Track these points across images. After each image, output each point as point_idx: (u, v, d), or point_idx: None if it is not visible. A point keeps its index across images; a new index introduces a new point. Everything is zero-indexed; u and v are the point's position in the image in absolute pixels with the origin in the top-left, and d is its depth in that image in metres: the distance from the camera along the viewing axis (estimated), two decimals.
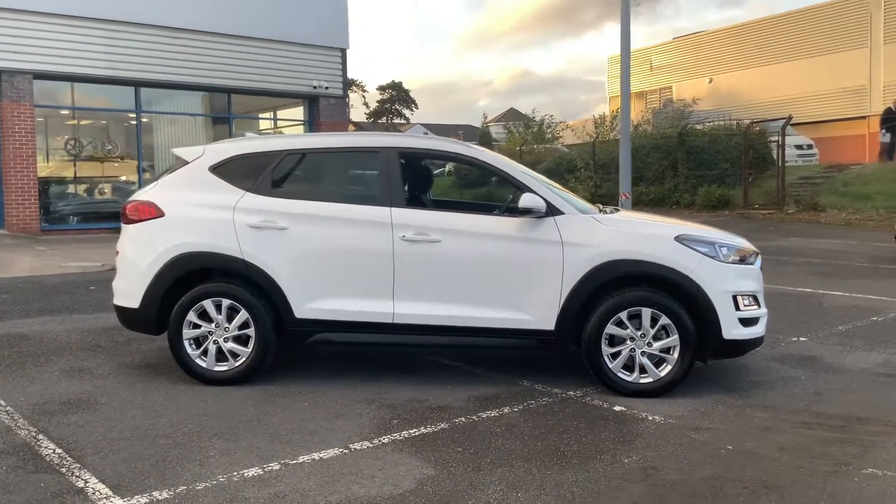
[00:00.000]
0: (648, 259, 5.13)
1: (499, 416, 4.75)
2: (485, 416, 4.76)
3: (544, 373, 5.72)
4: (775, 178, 20.48)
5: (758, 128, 22.37)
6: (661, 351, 5.15)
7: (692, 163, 22.28)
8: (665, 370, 5.15)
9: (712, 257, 5.16)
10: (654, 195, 22.03)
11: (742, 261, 5.29)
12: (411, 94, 71.30)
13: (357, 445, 4.22)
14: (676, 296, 5.14)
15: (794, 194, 20.26)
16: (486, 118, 46.98)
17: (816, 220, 18.33)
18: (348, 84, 22.27)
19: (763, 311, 5.36)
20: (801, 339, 6.97)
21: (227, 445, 4.21)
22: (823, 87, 35.29)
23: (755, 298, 5.31)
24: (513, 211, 5.31)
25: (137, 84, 18.04)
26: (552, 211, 5.24)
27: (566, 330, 5.20)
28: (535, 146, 30.01)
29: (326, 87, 20.13)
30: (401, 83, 70.32)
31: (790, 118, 19.52)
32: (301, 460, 4.00)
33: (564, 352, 5.39)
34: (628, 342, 5.16)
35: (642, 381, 5.16)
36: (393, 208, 5.32)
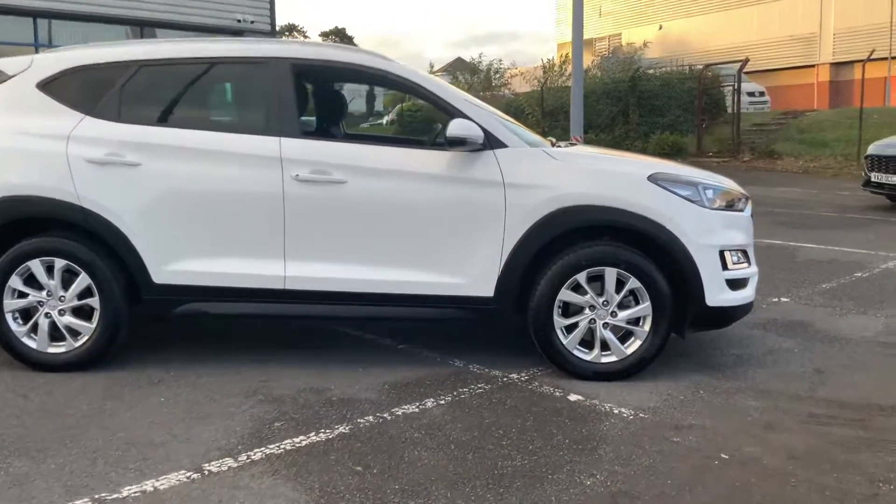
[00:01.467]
0: (614, 205, 3.96)
1: (419, 413, 3.58)
2: (400, 412, 3.58)
3: (483, 349, 4.57)
4: (729, 125, 19.61)
5: (710, 73, 21.40)
6: (628, 322, 4.03)
7: (644, 109, 21.26)
8: (633, 346, 4.04)
9: (695, 202, 4.02)
10: (605, 143, 20.96)
11: (730, 206, 4.17)
12: (355, 42, 68.66)
13: (214, 465, 3.01)
14: (649, 252, 4.00)
15: (749, 141, 19.44)
16: (432, 67, 45.21)
17: (773, 167, 17.54)
18: (276, 23, 20.50)
19: (753, 269, 4.27)
20: (783, 299, 5.96)
21: (25, 468, 2.95)
22: (774, 35, 34.59)
23: (745, 254, 4.21)
24: (441, 143, 4.07)
25: (36, 14, 16.07)
26: (492, 142, 4.02)
27: (508, 297, 4.03)
28: (481, 93, 28.63)
29: (252, 22, 18.40)
30: (344, 30, 67.59)
31: (747, 61, 18.59)
32: (124, 494, 2.77)
33: (507, 324, 4.21)
34: (587, 311, 4.02)
35: (604, 360, 4.05)
36: (283, 139, 4.03)
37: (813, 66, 34.78)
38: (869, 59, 17.64)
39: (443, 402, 3.73)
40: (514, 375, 4.11)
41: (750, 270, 4.22)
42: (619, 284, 4.00)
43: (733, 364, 4.37)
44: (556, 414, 3.59)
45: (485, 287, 4.02)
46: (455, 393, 3.85)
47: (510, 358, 4.37)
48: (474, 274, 4.01)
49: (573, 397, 3.81)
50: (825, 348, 4.70)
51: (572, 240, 4.03)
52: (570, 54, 17.32)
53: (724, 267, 4.04)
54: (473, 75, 30.03)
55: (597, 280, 4.02)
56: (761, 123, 21.07)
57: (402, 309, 4.10)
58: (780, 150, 18.34)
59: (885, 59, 28.24)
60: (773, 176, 16.42)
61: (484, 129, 3.99)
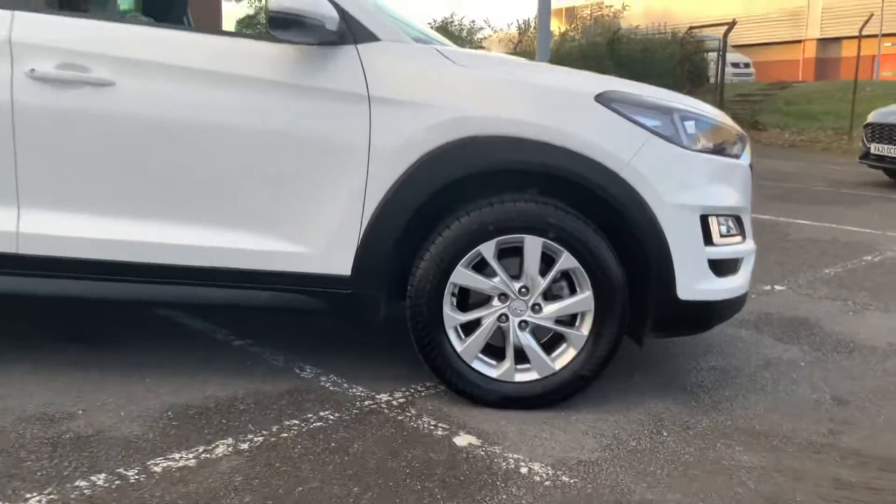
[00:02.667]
0: (542, 137, 2.52)
1: (191, 471, 2.14)
2: (160, 468, 2.15)
3: (354, 352, 3.14)
4: (712, 94, 18.18)
5: (693, 38, 19.97)
6: (558, 321, 2.62)
7: (623, 75, 19.73)
8: (565, 357, 2.63)
9: (666, 138, 2.58)
10: None
11: (719, 149, 2.74)
12: None
13: None
14: (593, 214, 2.58)
15: (732, 112, 18.03)
16: None
17: (757, 139, 16.16)
18: None
19: (750, 245, 2.87)
20: (778, 287, 4.58)
21: None
22: (761, 9, 33.27)
23: (738, 223, 2.80)
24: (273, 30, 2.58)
25: None
26: (354, 32, 2.55)
27: (374, 277, 2.59)
28: None
29: None
30: None
31: (734, 23, 17.14)
32: None
33: (375, 317, 2.75)
34: (496, 303, 2.60)
35: (519, 377, 2.63)
36: (17, 13, 2.53)
37: (800, 41, 33.61)
38: (861, 36, 16.28)
39: (246, 446, 2.29)
40: (383, 397, 2.69)
41: (744, 247, 2.81)
42: (547, 263, 2.57)
43: (713, 385, 2.98)
44: (425, 472, 2.18)
45: (338, 261, 2.57)
46: (278, 427, 2.42)
47: (386, 368, 2.94)
48: (320, 241, 2.56)
49: (462, 440, 2.39)
50: (843, 361, 3.31)
51: (476, 192, 2.60)
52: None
53: (708, 240, 2.63)
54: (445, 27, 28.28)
55: (512, 255, 2.59)
56: (746, 94, 19.72)
57: (211, 291, 2.63)
58: (766, 122, 16.99)
59: (875, 35, 27.09)
60: (757, 148, 14.97)
61: (339, 8, 2.51)
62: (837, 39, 31.37)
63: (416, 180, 2.51)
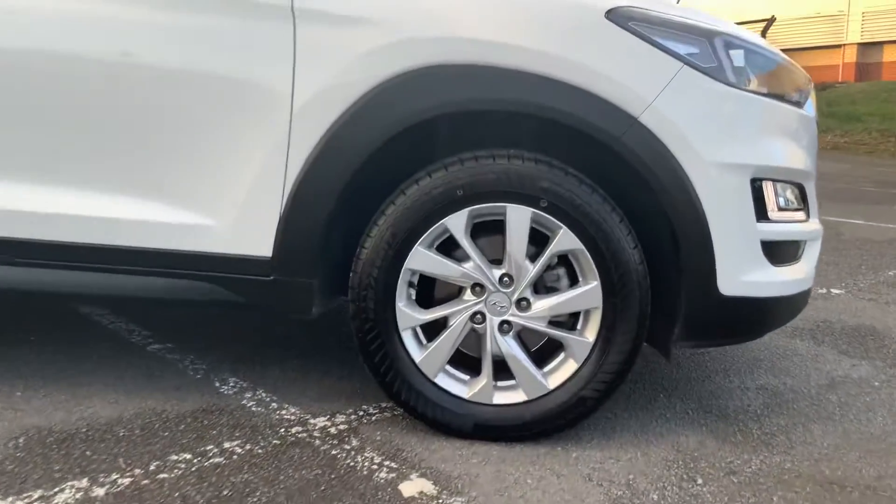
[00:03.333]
0: (531, 67, 1.82)
1: None
2: None
3: (287, 360, 2.47)
4: None
5: None
6: (554, 321, 1.91)
7: None
8: (562, 371, 1.93)
9: (705, 71, 1.87)
10: None
11: (778, 94, 2.01)
12: None
13: None
14: (603, 176, 1.89)
15: None
16: None
17: None
18: None
19: (815, 225, 2.14)
20: (835, 291, 3.82)
21: None
22: (799, 13, 32.25)
23: (801, 193, 2.08)
24: None
25: None
26: None
27: (303, 259, 1.90)
28: None
29: None
30: None
31: (773, 19, 16.32)
32: None
33: (305, 313, 2.05)
34: (468, 296, 1.90)
35: (500, 398, 1.94)
36: None
37: (840, 46, 32.50)
38: None
39: (101, 491, 1.63)
40: (318, 422, 2.00)
41: (808, 227, 2.09)
42: (539, 242, 1.88)
43: (764, 411, 2.25)
44: None
45: (254, 239, 1.90)
46: (158, 464, 1.75)
47: (337, 382, 2.27)
48: (229, 212, 1.89)
49: (411, 486, 1.70)
50: None
51: (440, 147, 1.92)
52: None
53: (761, 214, 1.91)
54: None
55: (491, 232, 1.90)
56: None
57: (93, 277, 1.97)
58: None
59: None
60: None
61: None
62: (879, 44, 30.29)
63: (355, 130, 1.83)
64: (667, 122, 1.81)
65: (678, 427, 2.09)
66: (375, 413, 2.07)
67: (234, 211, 1.88)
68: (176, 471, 1.72)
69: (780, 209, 1.97)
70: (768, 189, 1.93)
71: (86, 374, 2.25)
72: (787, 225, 1.99)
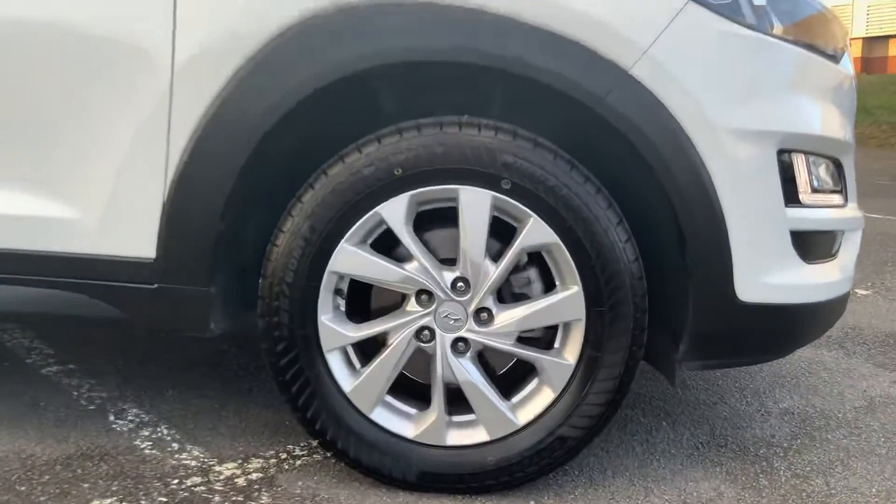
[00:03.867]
0: (490, 4, 1.37)
1: None
2: None
3: (206, 388, 2.04)
4: None
5: None
6: (523, 339, 1.47)
7: None
8: (535, 402, 1.49)
9: (717, 10, 1.42)
10: None
11: (811, 44, 1.56)
12: None
13: None
14: (585, 150, 1.44)
15: None
16: None
17: None
18: None
19: (855, 213, 1.69)
20: (861, 292, 3.39)
21: None
22: None
23: (839, 171, 1.63)
24: None
25: None
26: None
27: (195, 263, 1.46)
28: None
29: None
30: None
31: None
32: None
33: (202, 330, 1.61)
34: (413, 306, 1.46)
35: (456, 438, 1.49)
36: None
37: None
38: None
39: None
40: (225, 469, 1.57)
41: (846, 214, 1.65)
42: (502, 237, 1.44)
43: (792, 443, 1.81)
44: None
45: (129, 236, 1.47)
46: None
47: (264, 414, 1.83)
48: (97, 202, 1.45)
49: None
50: None
51: (373, 114, 1.49)
52: None
53: (791, 196, 1.47)
54: None
55: (440, 224, 1.46)
56: None
57: None
58: None
59: None
60: None
61: None
62: (884, 38, 29.88)
63: (256, 91, 1.39)
64: (667, 76, 1.38)
65: (687, 468, 1.65)
66: (303, 455, 1.64)
67: (102, 200, 1.44)
68: None
69: (814, 190, 1.53)
70: (799, 164, 1.49)
71: None
72: (822, 211, 1.55)
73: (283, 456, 1.63)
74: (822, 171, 1.57)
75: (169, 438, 1.70)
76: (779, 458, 1.72)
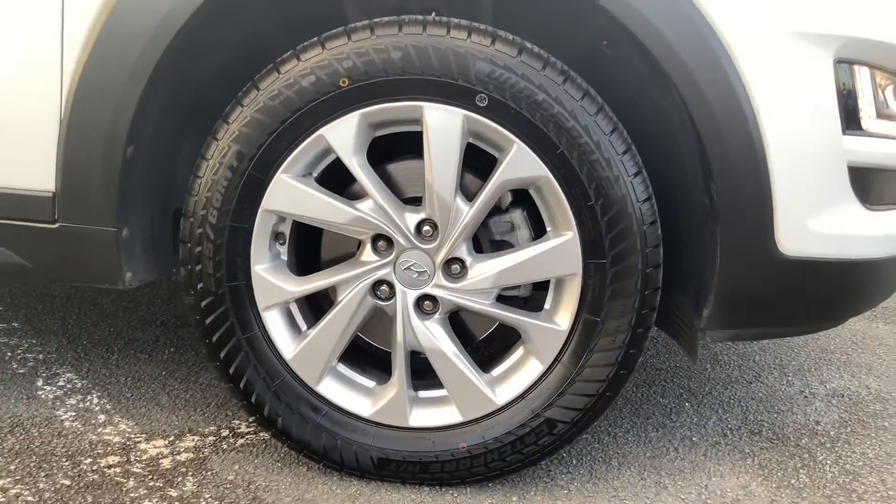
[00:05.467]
0: None
1: None
2: None
3: (156, 339, 1.78)
4: None
5: None
6: (503, 297, 1.18)
7: None
8: (518, 377, 1.20)
9: None
10: None
11: None
12: None
13: None
14: (575, 52, 1.14)
15: None
16: None
17: None
18: None
19: None
20: None
21: None
22: None
23: None
24: None
25: None
26: None
27: (104, 196, 1.19)
28: None
29: None
30: None
31: None
32: None
33: (116, 282, 1.35)
34: (368, 255, 1.17)
35: (421, 418, 1.21)
36: None
37: None
38: None
39: None
40: (152, 446, 1.31)
41: None
42: (478, 169, 1.14)
43: (836, 433, 1.50)
44: None
45: (20, 165, 1.20)
46: None
47: (211, 382, 1.58)
48: None
49: None
50: None
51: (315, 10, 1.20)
52: None
53: (851, 121, 1.14)
54: None
55: (401, 154, 1.17)
56: None
57: None
58: None
59: None
60: None
61: None
62: None
63: None
64: None
65: (711, 459, 1.36)
66: (247, 433, 1.38)
67: None
68: None
69: (880, 116, 1.20)
70: (863, 79, 1.16)
71: None
72: (891, 142, 1.21)
73: (225, 433, 1.38)
74: (891, 92, 1.23)
75: (97, 409, 1.45)
76: (824, 450, 1.42)
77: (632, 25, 1.07)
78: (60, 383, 1.57)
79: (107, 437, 1.35)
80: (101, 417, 1.42)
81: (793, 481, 1.30)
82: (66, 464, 1.26)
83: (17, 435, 1.35)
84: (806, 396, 1.66)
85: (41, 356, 1.70)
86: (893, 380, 1.77)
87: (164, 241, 1.30)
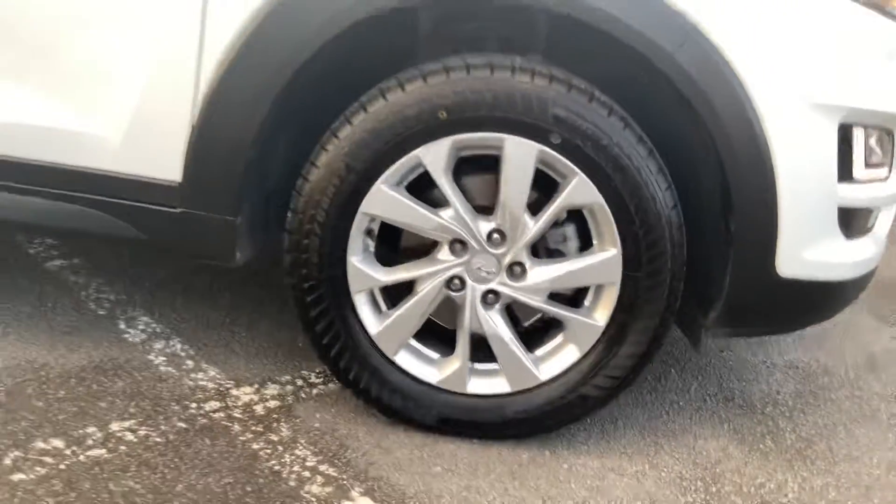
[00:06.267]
0: None
1: None
2: None
3: (209, 287, 2.01)
4: None
5: None
6: (554, 295, 1.44)
7: None
8: (559, 359, 1.49)
9: None
10: None
11: (877, 4, 1.46)
12: None
13: None
14: (627, 98, 1.37)
15: None
16: None
17: None
18: None
19: (894, 185, 1.64)
20: None
21: None
22: None
23: (891, 143, 1.56)
24: None
25: None
26: None
27: (223, 189, 1.40)
28: None
29: None
30: None
31: None
32: None
33: (228, 260, 1.58)
34: (445, 254, 1.42)
35: (478, 387, 1.50)
36: None
37: None
38: None
39: None
40: (243, 393, 1.57)
41: (890, 187, 1.59)
42: (544, 191, 1.38)
43: (794, 403, 1.84)
44: None
45: (154, 156, 1.39)
46: (24, 454, 1.31)
47: (274, 330, 1.82)
48: (124, 117, 1.36)
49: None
50: None
51: (423, 44, 1.39)
52: None
53: (845, 172, 1.42)
54: None
55: (481, 172, 1.40)
56: None
57: None
58: None
59: None
60: None
61: None
62: None
63: (303, 9, 1.29)
64: (736, 33, 1.29)
65: (695, 423, 1.68)
66: (318, 384, 1.64)
67: (127, 116, 1.36)
68: (37, 470, 1.28)
69: (868, 165, 1.47)
70: (858, 138, 1.43)
71: None
72: (870, 186, 1.49)
73: (300, 383, 1.63)
74: (874, 142, 1.51)
75: (183, 355, 1.68)
76: (784, 418, 1.75)
77: (684, 90, 1.30)
78: (140, 327, 1.79)
79: (201, 383, 1.59)
80: (189, 363, 1.66)
81: (760, 446, 1.63)
82: (176, 408, 1.50)
83: (123, 378, 1.58)
84: (768, 367, 2.00)
85: (112, 297, 1.90)
86: (837, 355, 2.12)
87: (262, 227, 1.52)
